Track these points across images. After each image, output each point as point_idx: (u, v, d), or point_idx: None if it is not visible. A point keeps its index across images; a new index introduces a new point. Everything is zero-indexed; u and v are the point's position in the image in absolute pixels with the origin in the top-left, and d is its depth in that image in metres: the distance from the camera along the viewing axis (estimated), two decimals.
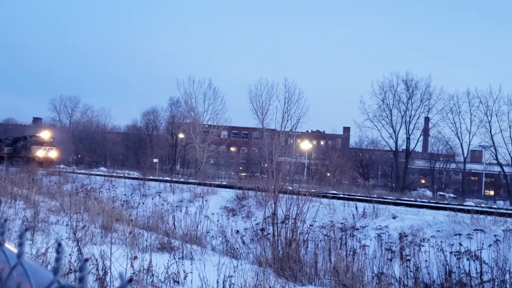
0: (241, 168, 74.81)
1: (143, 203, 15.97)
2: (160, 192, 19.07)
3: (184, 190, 18.86)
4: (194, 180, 28.60)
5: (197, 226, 11.27)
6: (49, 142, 52.57)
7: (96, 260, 6.11)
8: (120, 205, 15.54)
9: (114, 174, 34.93)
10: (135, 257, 6.97)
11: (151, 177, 28.25)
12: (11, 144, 58.23)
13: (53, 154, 51.95)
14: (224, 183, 28.26)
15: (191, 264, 7.22)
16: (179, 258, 7.71)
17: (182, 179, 33.06)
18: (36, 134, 54.20)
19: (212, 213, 13.37)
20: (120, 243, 8.79)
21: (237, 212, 14.87)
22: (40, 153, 50.15)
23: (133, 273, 6.36)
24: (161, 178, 30.07)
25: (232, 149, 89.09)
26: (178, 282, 6.63)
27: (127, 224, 10.65)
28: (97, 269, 5.87)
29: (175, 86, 71.09)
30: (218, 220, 12.40)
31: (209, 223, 12.08)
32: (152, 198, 17.49)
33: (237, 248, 10.23)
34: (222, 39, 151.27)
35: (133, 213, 14.18)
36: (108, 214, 11.11)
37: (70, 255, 6.41)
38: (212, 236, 11.56)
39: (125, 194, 18.95)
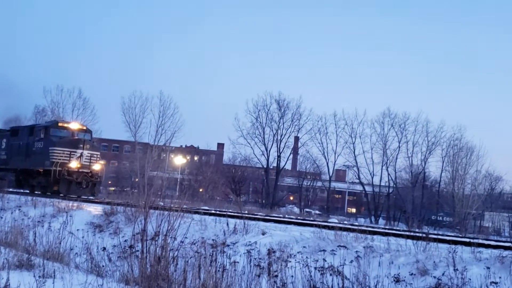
0: (110, 182, 72.23)
1: (1, 218, 14.80)
2: (20, 206, 17.78)
3: (47, 204, 17.72)
4: (58, 194, 26.97)
5: (60, 243, 10.63)
6: (89, 144, 27.49)
7: None
8: None
9: None
10: None
11: (10, 190, 26.25)
12: None
13: (98, 166, 27.41)
14: (91, 197, 27.01)
15: (53, 283, 6.76)
16: (39, 276, 7.19)
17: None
18: (61, 123, 28.61)
19: (77, 229, 12.71)
20: None
21: (104, 228, 14.26)
22: (73, 163, 25.96)
23: None
24: (21, 191, 28.05)
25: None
26: None
27: None
28: None
29: (42, 95, 67.07)
30: (83, 237, 11.81)
31: (73, 239, 11.45)
32: (12, 212, 16.29)
33: (103, 266, 9.78)
34: (93, 48, 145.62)
35: None
36: None
37: None
38: (76, 253, 10.96)
39: None
